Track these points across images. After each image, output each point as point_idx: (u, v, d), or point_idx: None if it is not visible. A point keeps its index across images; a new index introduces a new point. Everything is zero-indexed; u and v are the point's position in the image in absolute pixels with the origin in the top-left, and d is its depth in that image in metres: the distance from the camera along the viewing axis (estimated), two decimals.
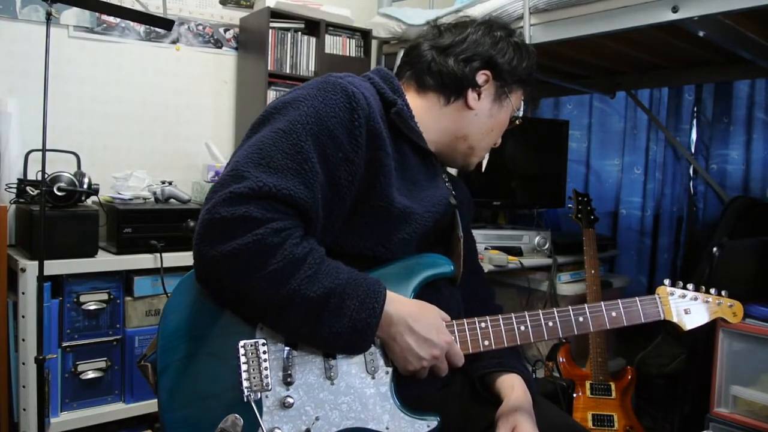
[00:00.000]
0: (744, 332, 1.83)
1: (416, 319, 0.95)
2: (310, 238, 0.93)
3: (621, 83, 2.82)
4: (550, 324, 1.06)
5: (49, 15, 1.67)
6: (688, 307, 1.14)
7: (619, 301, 1.11)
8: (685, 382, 2.10)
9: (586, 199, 2.42)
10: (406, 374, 0.96)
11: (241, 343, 0.91)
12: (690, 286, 1.17)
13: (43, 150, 1.68)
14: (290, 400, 0.90)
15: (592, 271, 2.26)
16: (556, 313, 1.07)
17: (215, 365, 0.91)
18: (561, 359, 2.20)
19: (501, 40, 1.13)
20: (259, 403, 0.90)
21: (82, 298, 1.86)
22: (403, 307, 0.95)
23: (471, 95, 1.12)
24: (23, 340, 1.74)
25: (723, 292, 1.18)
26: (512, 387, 1.09)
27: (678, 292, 1.15)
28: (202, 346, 0.92)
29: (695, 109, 2.89)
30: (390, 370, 0.97)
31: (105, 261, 1.88)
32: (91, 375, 1.88)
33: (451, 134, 1.14)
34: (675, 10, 1.57)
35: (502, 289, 2.55)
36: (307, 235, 0.93)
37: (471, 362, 1.13)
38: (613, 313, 1.09)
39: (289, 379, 0.92)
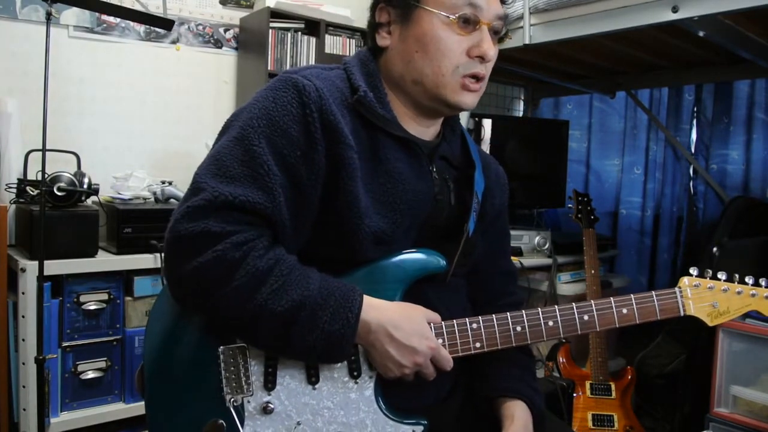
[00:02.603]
0: (744, 332, 1.83)
1: (397, 326, 0.89)
2: (277, 248, 0.88)
3: (621, 83, 2.82)
4: (551, 324, 0.98)
5: (49, 15, 1.67)
6: (715, 301, 1.02)
7: (632, 296, 1.01)
8: (685, 382, 2.10)
9: (586, 199, 2.42)
10: (388, 379, 0.93)
11: (221, 348, 0.90)
12: (721, 274, 1.04)
13: (43, 150, 1.68)
14: (271, 405, 0.89)
15: (592, 271, 2.26)
16: (557, 311, 0.99)
17: (198, 371, 0.90)
18: (561, 359, 2.20)
19: None
20: (240, 408, 0.89)
21: (82, 298, 1.86)
22: (382, 313, 0.90)
23: (379, 37, 1.02)
24: (23, 340, 1.74)
25: (762, 281, 1.03)
26: (512, 418, 1.00)
27: (705, 283, 1.03)
28: (185, 351, 0.91)
29: (695, 109, 2.89)
30: (374, 374, 0.93)
31: (105, 261, 1.88)
32: (91, 375, 1.88)
33: (407, 90, 1.00)
34: (675, 10, 1.57)
35: None
36: (274, 243, 0.89)
37: (477, 382, 1.07)
38: (624, 310, 1.00)
39: (270, 384, 0.90)
